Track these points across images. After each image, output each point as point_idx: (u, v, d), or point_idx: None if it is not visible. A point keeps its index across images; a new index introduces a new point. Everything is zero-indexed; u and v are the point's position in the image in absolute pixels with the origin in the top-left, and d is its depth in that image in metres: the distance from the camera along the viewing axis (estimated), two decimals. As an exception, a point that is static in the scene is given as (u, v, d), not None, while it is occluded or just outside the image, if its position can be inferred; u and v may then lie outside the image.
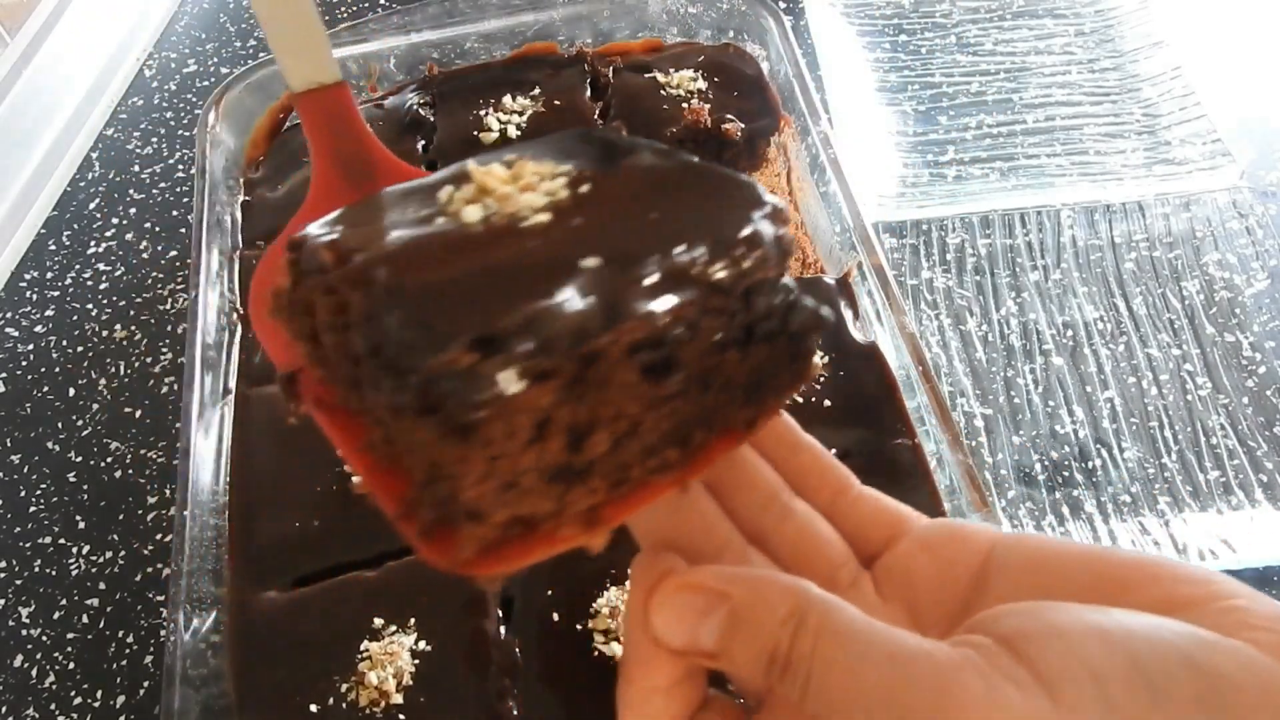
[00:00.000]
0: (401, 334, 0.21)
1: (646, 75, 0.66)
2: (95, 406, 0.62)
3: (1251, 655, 0.20)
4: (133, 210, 0.73)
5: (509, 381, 0.20)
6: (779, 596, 0.23)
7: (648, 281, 0.22)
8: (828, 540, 0.28)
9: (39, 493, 0.59)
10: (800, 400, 0.50)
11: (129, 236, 0.71)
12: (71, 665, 0.52)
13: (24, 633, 0.53)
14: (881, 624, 0.22)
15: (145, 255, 0.70)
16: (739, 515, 0.28)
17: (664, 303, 0.22)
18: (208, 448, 0.50)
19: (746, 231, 0.24)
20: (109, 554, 0.56)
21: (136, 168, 0.76)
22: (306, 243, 0.24)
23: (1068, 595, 0.24)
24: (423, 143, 0.65)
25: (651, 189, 0.26)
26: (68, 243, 0.71)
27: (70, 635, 0.53)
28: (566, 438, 0.22)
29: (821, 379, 0.51)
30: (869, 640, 0.21)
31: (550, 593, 0.45)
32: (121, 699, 0.51)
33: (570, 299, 0.21)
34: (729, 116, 0.63)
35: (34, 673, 0.52)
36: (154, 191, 0.74)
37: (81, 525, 0.57)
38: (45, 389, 0.64)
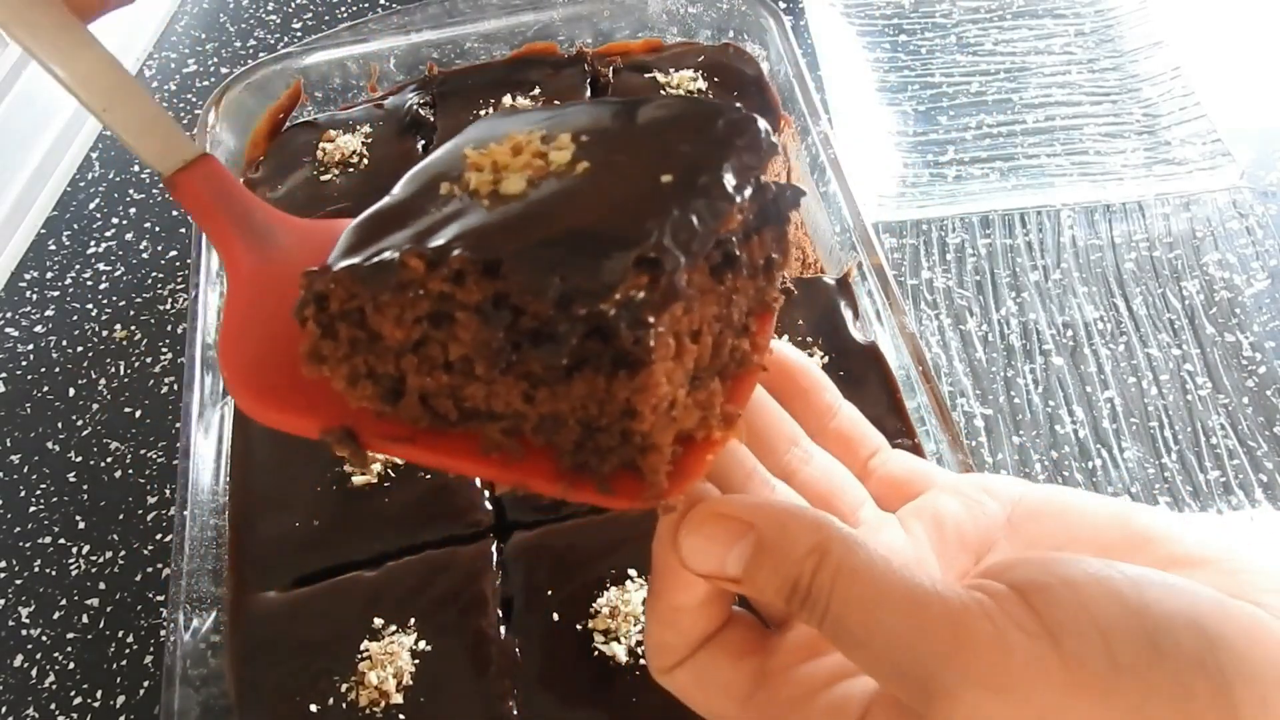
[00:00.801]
0: (572, 282, 0.21)
1: (646, 75, 0.66)
2: (95, 406, 0.62)
3: (1257, 620, 0.21)
4: (133, 210, 0.73)
5: (684, 289, 0.22)
6: (803, 530, 0.23)
7: (723, 184, 0.24)
8: (849, 483, 0.29)
9: (39, 493, 0.59)
10: (800, 400, 0.50)
11: (129, 236, 0.71)
12: (71, 665, 0.52)
13: (24, 633, 0.53)
14: (900, 562, 0.23)
15: (145, 255, 0.70)
16: (764, 457, 0.29)
17: (734, 200, 0.24)
18: (208, 448, 0.50)
19: (762, 134, 0.26)
20: (109, 554, 0.56)
21: (136, 168, 0.76)
22: (357, 272, 0.24)
23: (1090, 546, 0.25)
24: (423, 143, 0.65)
25: (646, 123, 0.27)
26: (68, 243, 0.71)
27: (70, 635, 0.53)
28: (699, 345, 0.24)
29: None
30: (887, 580, 0.22)
31: (550, 593, 0.45)
32: (121, 699, 0.51)
33: (680, 208, 0.22)
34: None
35: (34, 673, 0.52)
36: (154, 191, 0.74)
37: (81, 525, 0.57)
38: (45, 389, 0.64)
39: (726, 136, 0.26)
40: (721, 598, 0.26)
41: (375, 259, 0.24)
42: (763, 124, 0.27)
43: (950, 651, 0.21)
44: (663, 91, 0.64)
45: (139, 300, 0.68)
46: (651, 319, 0.21)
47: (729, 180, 0.24)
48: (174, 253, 0.70)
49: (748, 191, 0.25)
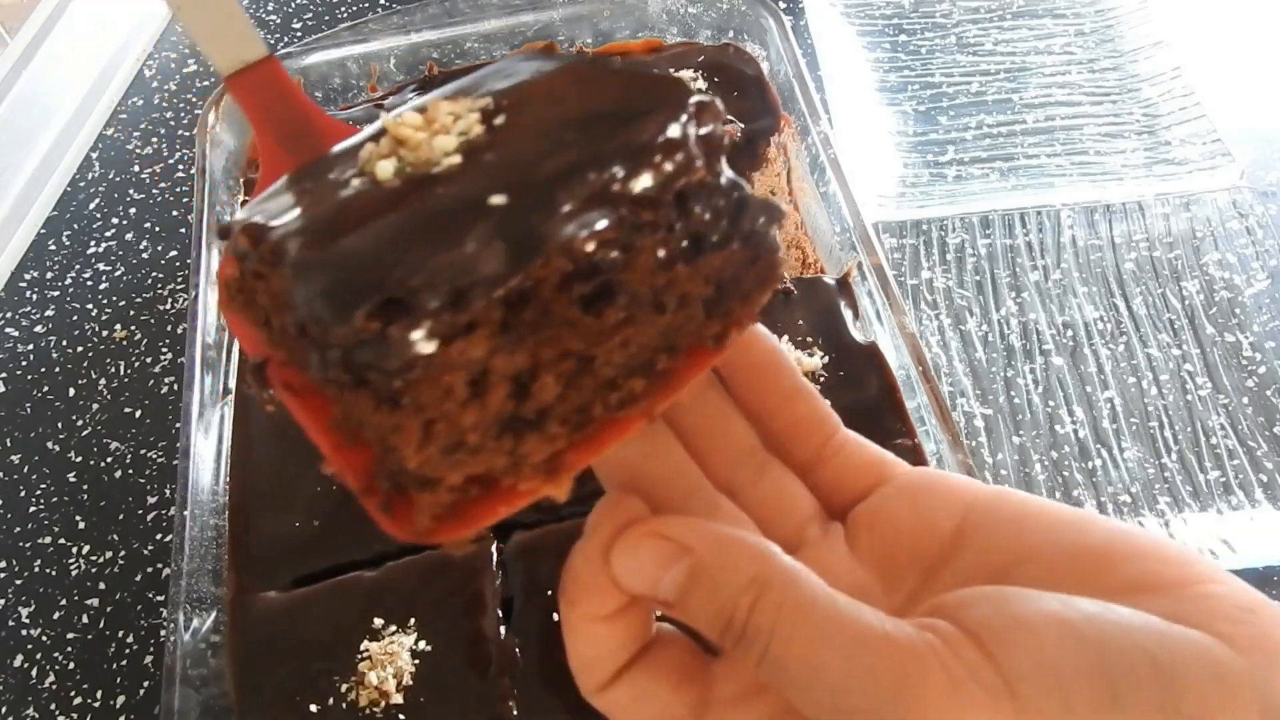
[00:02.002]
0: (310, 309, 0.20)
1: (646, 75, 0.66)
2: (95, 406, 0.62)
3: (1218, 657, 0.20)
4: (133, 210, 0.73)
5: (422, 342, 0.19)
6: (742, 560, 0.22)
7: (564, 209, 0.21)
8: (799, 497, 0.28)
9: (39, 493, 0.59)
10: (800, 400, 0.50)
11: (129, 236, 0.71)
12: (71, 665, 0.52)
13: (24, 633, 0.53)
14: (845, 600, 0.21)
15: (145, 255, 0.70)
16: (712, 470, 0.28)
17: (582, 228, 0.21)
18: (208, 448, 0.50)
19: (664, 136, 0.22)
20: (109, 554, 0.56)
21: (136, 168, 0.76)
22: (232, 228, 0.24)
23: (1045, 564, 0.24)
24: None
25: (566, 108, 0.24)
26: (68, 243, 0.71)
27: (70, 635, 0.53)
28: (510, 387, 0.22)
29: (821, 379, 0.51)
30: (832, 619, 0.21)
31: (550, 593, 0.45)
32: (121, 699, 0.51)
33: (478, 243, 0.20)
34: (729, 118, 0.63)
35: (34, 673, 0.52)
36: (154, 191, 0.74)
37: (81, 525, 0.57)
38: (45, 389, 0.64)
39: (635, 134, 0.22)
40: (641, 610, 0.25)
41: (239, 222, 0.24)
42: (697, 119, 0.23)
43: (900, 699, 0.20)
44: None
45: (139, 300, 0.68)
46: (393, 366, 0.19)
47: (577, 207, 0.21)
48: (174, 253, 0.70)
49: (608, 215, 0.21)
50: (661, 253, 0.22)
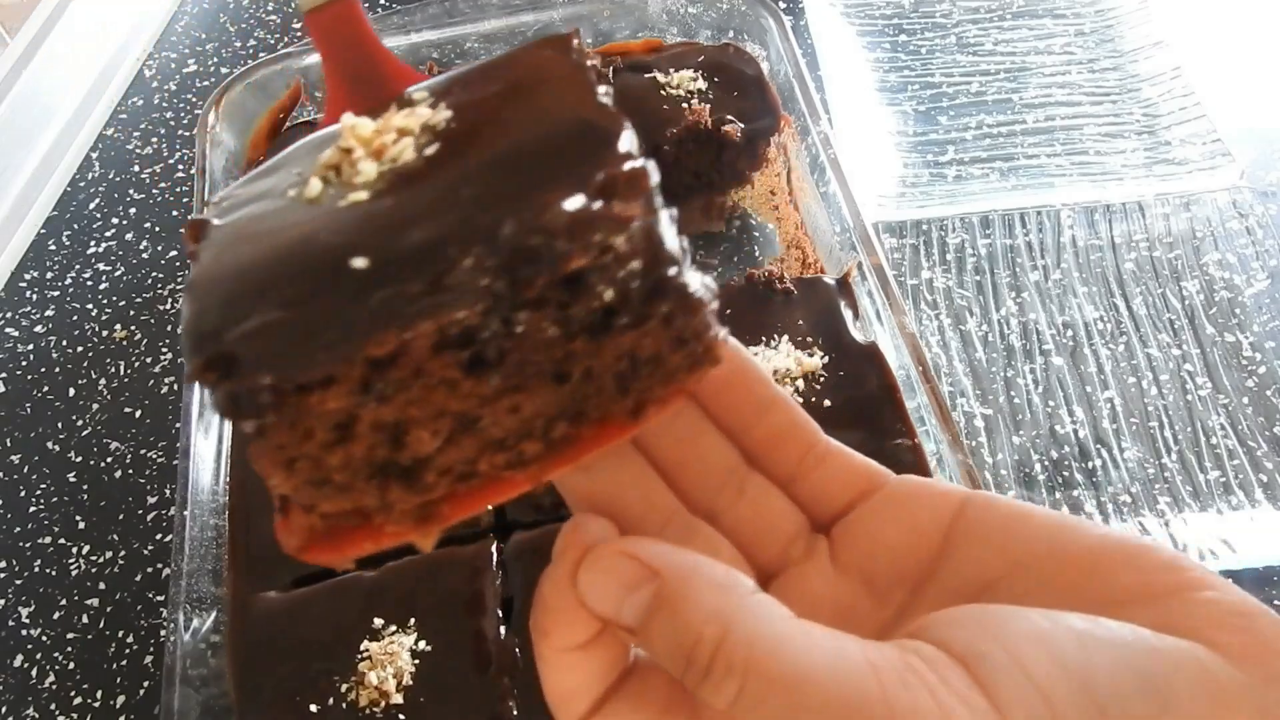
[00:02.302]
0: (184, 336, 0.21)
1: (646, 75, 0.66)
2: (95, 406, 0.62)
3: (1209, 670, 0.20)
4: (133, 210, 0.73)
5: (230, 401, 0.20)
6: (709, 590, 0.21)
7: (432, 280, 0.20)
8: (782, 514, 0.27)
9: (39, 493, 0.59)
10: (800, 400, 0.50)
11: (129, 236, 0.71)
12: (71, 665, 0.52)
13: (24, 633, 0.53)
14: (821, 632, 0.21)
15: (145, 255, 0.70)
16: (689, 496, 0.27)
17: (446, 302, 0.20)
18: (208, 448, 0.50)
19: (562, 211, 0.21)
20: (109, 554, 0.56)
21: (136, 168, 0.76)
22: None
23: (1033, 575, 0.23)
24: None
25: (494, 147, 0.23)
26: (68, 243, 0.71)
27: (70, 635, 0.53)
28: (382, 436, 0.21)
29: (821, 379, 0.51)
30: (811, 655, 0.20)
31: (550, 593, 0.45)
32: (121, 699, 0.51)
33: (320, 309, 0.20)
34: (729, 118, 0.63)
35: (34, 673, 0.52)
36: (154, 191, 0.74)
37: (81, 525, 0.57)
38: (45, 389, 0.64)
39: (536, 202, 0.21)
40: (616, 634, 0.24)
41: (196, 218, 0.25)
42: (605, 194, 0.21)
43: None
44: (671, 94, 0.64)
45: (139, 300, 0.68)
46: (222, 414, 0.20)
47: (444, 278, 0.20)
48: (174, 253, 0.70)
49: (473, 290, 0.20)
50: (552, 328, 0.21)
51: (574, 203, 0.21)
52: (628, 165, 0.21)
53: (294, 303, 0.20)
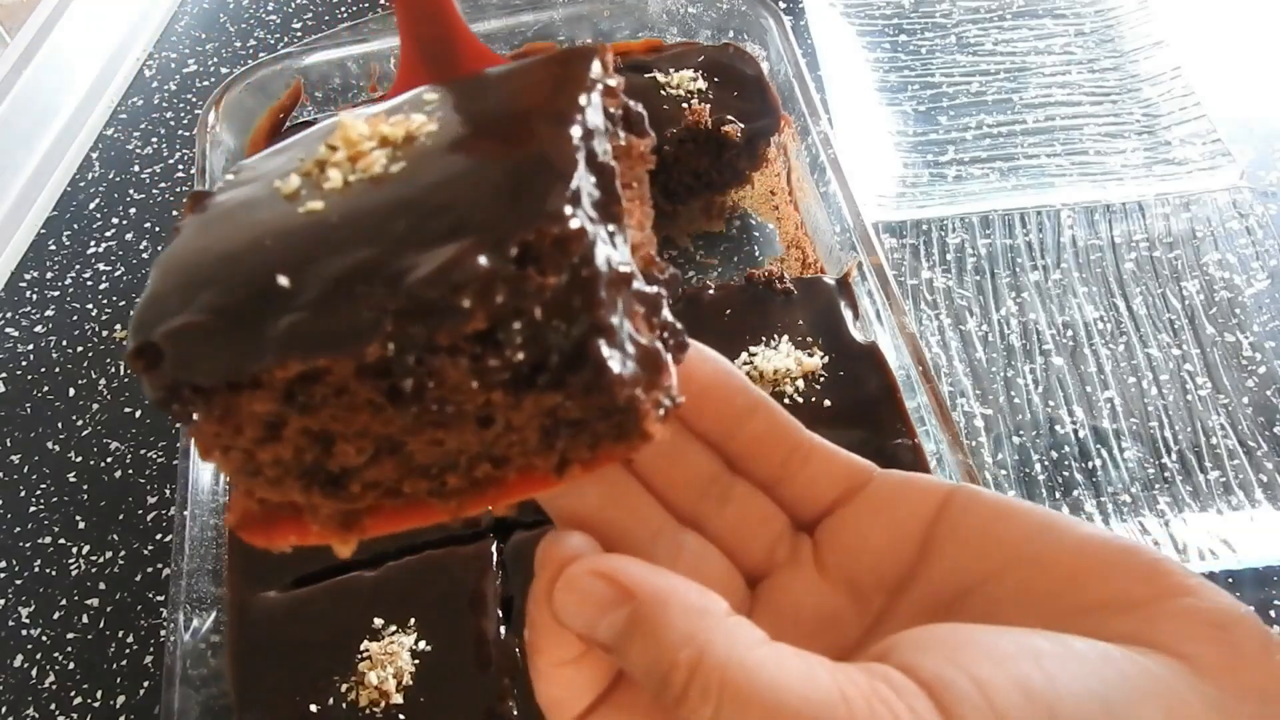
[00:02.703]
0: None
1: (646, 75, 0.66)
2: (95, 406, 0.62)
3: (1175, 693, 0.20)
4: (133, 210, 0.73)
5: (157, 393, 0.21)
6: (682, 615, 0.21)
7: (330, 313, 0.20)
8: (766, 518, 0.27)
9: (39, 493, 0.59)
10: (800, 400, 0.50)
11: (129, 236, 0.71)
12: (71, 665, 0.52)
13: (24, 633, 0.53)
14: (793, 656, 0.21)
15: (145, 255, 0.70)
16: (675, 506, 0.27)
17: (349, 338, 0.20)
18: (208, 448, 0.50)
19: (473, 267, 0.20)
20: (109, 554, 0.56)
21: (136, 168, 0.76)
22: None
23: (1012, 581, 0.23)
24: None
25: (436, 178, 0.22)
26: (68, 243, 0.71)
27: (70, 635, 0.53)
28: (308, 441, 0.22)
29: (821, 379, 0.51)
30: (782, 680, 0.20)
31: (550, 593, 0.45)
32: (121, 699, 0.51)
33: (248, 321, 0.20)
34: (729, 118, 0.63)
35: (34, 673, 0.52)
36: (154, 191, 0.74)
37: (81, 525, 0.57)
38: (45, 389, 0.64)
39: (456, 251, 0.20)
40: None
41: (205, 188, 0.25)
42: (495, 253, 0.20)
43: None
44: (671, 94, 0.64)
45: (139, 300, 0.67)
46: (159, 405, 0.21)
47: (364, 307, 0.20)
48: (174, 253, 0.70)
49: (380, 328, 0.20)
50: (467, 378, 0.21)
51: (487, 260, 0.20)
52: (560, 227, 0.20)
53: (218, 311, 0.21)
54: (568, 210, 0.20)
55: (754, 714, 0.20)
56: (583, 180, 0.21)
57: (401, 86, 0.31)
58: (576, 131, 0.22)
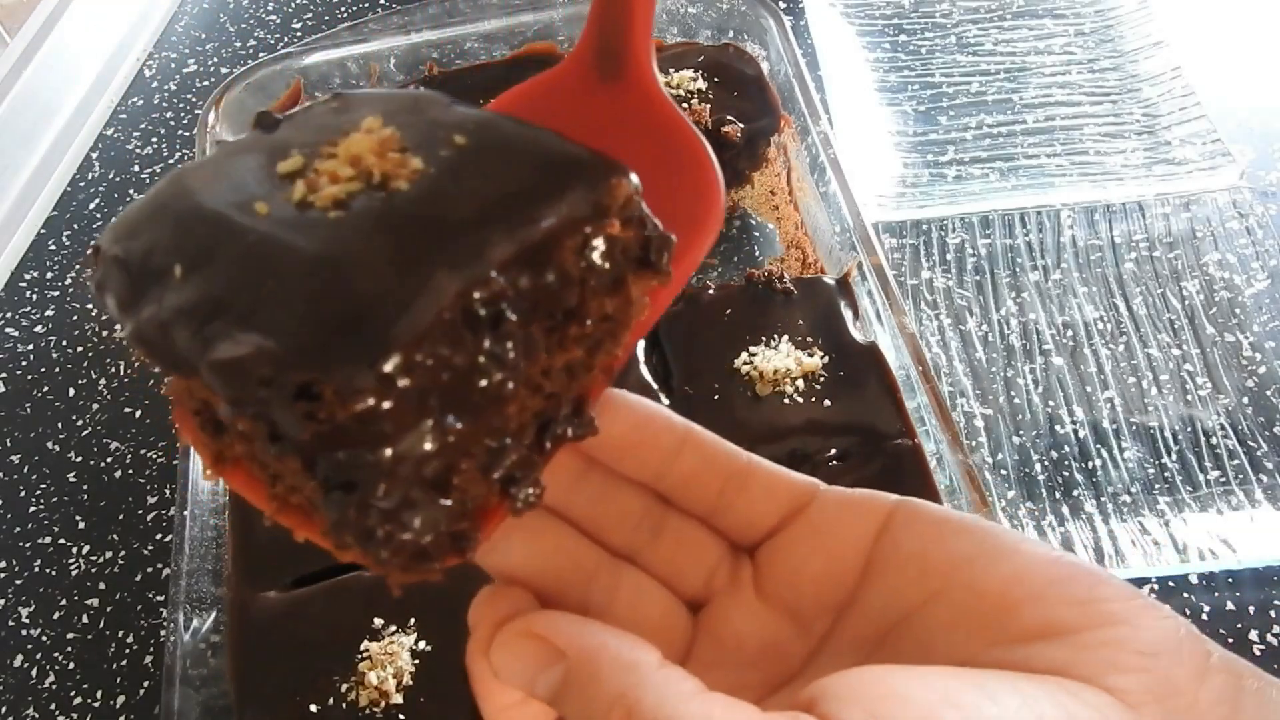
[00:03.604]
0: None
1: (646, 75, 0.66)
2: (95, 406, 0.62)
3: None
4: (133, 210, 0.73)
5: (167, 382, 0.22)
6: (613, 672, 0.21)
7: (207, 357, 0.19)
8: (700, 545, 0.27)
9: (39, 493, 0.59)
10: (800, 400, 0.50)
11: (129, 236, 0.71)
12: (71, 665, 0.52)
13: (24, 633, 0.53)
14: (723, 707, 0.21)
15: (145, 255, 0.70)
16: (610, 544, 0.27)
17: (182, 360, 0.20)
18: (208, 448, 0.50)
19: (246, 365, 0.18)
20: (109, 554, 0.56)
21: (136, 168, 0.76)
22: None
23: (948, 607, 0.23)
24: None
25: (359, 235, 0.21)
26: (68, 243, 0.71)
27: (70, 635, 0.53)
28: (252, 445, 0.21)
29: (821, 379, 0.51)
30: None
31: (550, 593, 0.45)
32: (121, 699, 0.51)
33: (171, 304, 0.20)
34: (729, 118, 0.63)
35: (34, 673, 0.52)
36: (154, 191, 0.74)
37: (81, 525, 0.57)
38: (45, 389, 0.64)
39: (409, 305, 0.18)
40: None
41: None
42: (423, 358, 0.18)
43: None
44: (671, 94, 0.64)
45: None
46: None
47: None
48: (174, 253, 0.70)
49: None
50: (269, 448, 0.20)
51: (263, 374, 0.18)
52: (350, 386, 0.18)
53: (140, 267, 0.21)
54: (384, 367, 0.18)
55: None
56: (442, 344, 0.19)
57: (556, 74, 0.30)
58: (492, 280, 0.19)
